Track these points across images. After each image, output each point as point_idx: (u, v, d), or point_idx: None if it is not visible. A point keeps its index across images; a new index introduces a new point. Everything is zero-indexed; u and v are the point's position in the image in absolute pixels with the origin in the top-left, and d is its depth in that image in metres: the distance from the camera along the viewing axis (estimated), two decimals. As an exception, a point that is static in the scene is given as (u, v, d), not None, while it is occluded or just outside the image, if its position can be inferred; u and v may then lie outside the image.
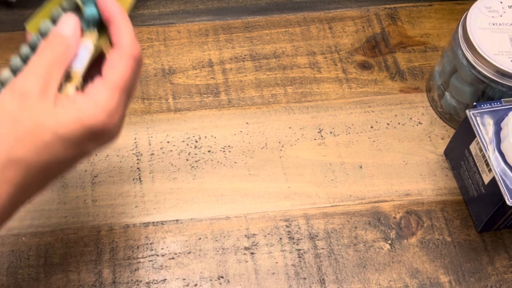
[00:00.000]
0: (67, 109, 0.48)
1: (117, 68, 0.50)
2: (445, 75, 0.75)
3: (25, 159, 0.48)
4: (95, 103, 0.49)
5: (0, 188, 0.47)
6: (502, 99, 0.68)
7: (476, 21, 0.71)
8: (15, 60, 0.51)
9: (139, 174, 0.72)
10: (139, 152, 0.73)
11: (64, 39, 0.51)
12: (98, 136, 0.50)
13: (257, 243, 0.68)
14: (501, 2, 0.73)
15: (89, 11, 0.51)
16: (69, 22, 0.51)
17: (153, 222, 0.69)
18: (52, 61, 0.49)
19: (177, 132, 0.75)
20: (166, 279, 0.66)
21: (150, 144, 0.74)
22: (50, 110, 0.48)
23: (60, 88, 0.50)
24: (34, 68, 0.49)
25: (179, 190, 0.71)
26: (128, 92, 0.51)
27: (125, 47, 0.51)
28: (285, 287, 0.66)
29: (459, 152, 0.70)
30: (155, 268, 0.66)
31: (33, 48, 0.51)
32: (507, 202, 0.63)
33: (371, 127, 0.77)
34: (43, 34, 0.51)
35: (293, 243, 0.69)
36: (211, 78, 0.80)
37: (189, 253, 0.67)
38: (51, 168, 0.49)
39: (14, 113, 0.48)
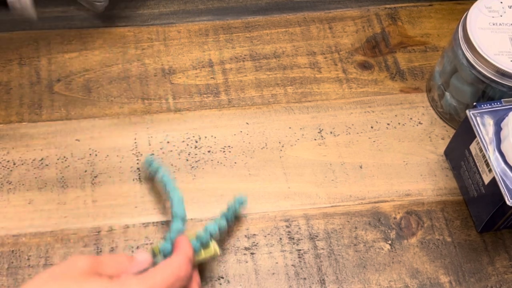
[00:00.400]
0: (97, 282, 0.54)
1: (157, 270, 0.56)
2: (445, 75, 0.75)
3: None
4: (122, 284, 0.54)
5: None
6: (502, 99, 0.68)
7: (476, 21, 0.71)
8: None
9: (139, 174, 0.72)
10: (139, 152, 0.73)
11: (132, 259, 0.59)
12: None
13: (257, 243, 0.68)
14: (501, 2, 0.73)
15: (163, 246, 0.61)
16: (144, 255, 0.59)
17: (153, 223, 0.69)
18: (109, 260, 0.57)
19: (177, 132, 0.75)
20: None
21: (150, 144, 0.74)
22: (83, 280, 0.54)
23: None
24: (92, 257, 0.57)
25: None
26: None
27: (175, 262, 0.58)
28: (285, 287, 0.66)
29: (459, 152, 0.70)
30: (155, 269, 0.66)
31: None
32: (507, 202, 0.63)
33: (371, 127, 0.77)
34: None
35: (293, 244, 0.68)
36: (211, 78, 0.80)
37: (189, 253, 0.67)
38: None
39: (55, 274, 0.54)
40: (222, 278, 0.66)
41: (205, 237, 0.63)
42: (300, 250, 0.68)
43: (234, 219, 0.68)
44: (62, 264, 0.55)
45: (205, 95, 0.78)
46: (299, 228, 0.69)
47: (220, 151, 0.74)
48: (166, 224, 0.69)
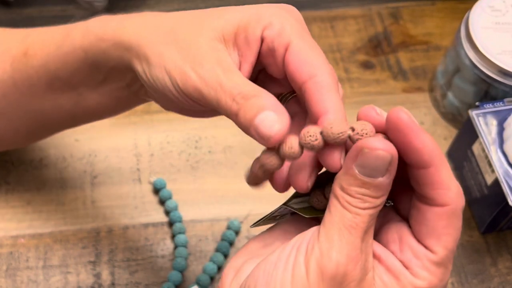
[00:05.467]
0: None
1: (449, 236, 0.40)
2: (447, 74, 0.75)
3: None
4: (427, 287, 0.40)
5: None
6: (505, 99, 0.68)
7: (479, 20, 0.70)
8: None
9: (139, 175, 0.71)
10: (138, 152, 0.73)
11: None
12: None
13: (257, 244, 0.68)
14: (504, 1, 0.72)
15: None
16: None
17: (153, 223, 0.69)
18: (368, 225, 0.40)
19: (177, 132, 0.75)
20: (166, 281, 0.65)
21: (150, 145, 0.73)
22: None
23: None
24: (345, 239, 0.39)
25: (179, 191, 0.70)
26: None
27: (456, 204, 0.40)
28: (286, 289, 0.66)
29: (462, 152, 0.70)
30: (155, 270, 0.66)
31: None
32: (510, 203, 0.62)
33: (373, 127, 0.76)
34: None
35: (294, 245, 0.68)
36: (212, 77, 0.79)
37: (189, 254, 0.67)
38: None
39: None
40: (222, 279, 0.66)
41: (205, 280, 0.64)
42: (301, 251, 0.68)
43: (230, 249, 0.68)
44: (320, 282, 0.39)
45: (205, 95, 0.78)
46: (300, 229, 0.69)
47: (221, 151, 0.74)
48: (166, 225, 0.69)
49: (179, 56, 0.44)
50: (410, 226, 0.42)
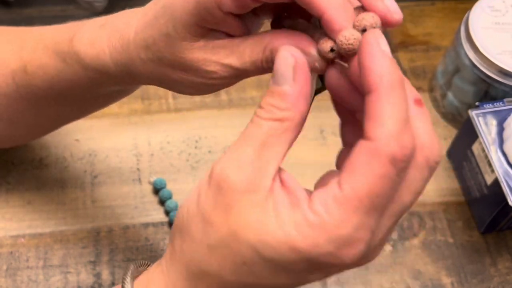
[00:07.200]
0: (275, 222, 0.36)
1: (362, 176, 0.35)
2: (447, 74, 0.75)
3: (220, 276, 0.39)
4: (319, 225, 0.36)
5: None
6: (504, 99, 0.68)
7: (479, 20, 0.70)
8: None
9: (139, 175, 0.71)
10: (138, 152, 0.73)
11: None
12: (321, 267, 0.37)
13: (257, 244, 0.68)
14: (504, 1, 0.72)
15: None
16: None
17: (153, 223, 0.69)
18: (265, 137, 0.38)
19: (177, 132, 0.75)
20: (166, 281, 0.65)
21: (150, 145, 0.73)
22: (252, 217, 0.37)
23: None
24: (239, 148, 0.39)
25: (179, 191, 0.70)
26: (381, 211, 0.36)
27: (381, 144, 0.35)
28: (286, 288, 0.66)
29: (462, 152, 0.70)
30: (155, 270, 0.66)
31: None
32: (510, 203, 0.62)
33: (373, 127, 0.76)
34: None
35: (294, 244, 0.68)
36: (212, 77, 0.79)
37: (189, 254, 0.67)
38: None
39: (207, 211, 0.38)
40: (223, 279, 0.66)
41: None
42: (301, 251, 0.68)
43: None
44: (208, 187, 0.39)
45: (205, 95, 0.77)
46: (300, 229, 0.69)
47: (221, 151, 0.74)
48: (166, 224, 0.69)
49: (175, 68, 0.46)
50: None
